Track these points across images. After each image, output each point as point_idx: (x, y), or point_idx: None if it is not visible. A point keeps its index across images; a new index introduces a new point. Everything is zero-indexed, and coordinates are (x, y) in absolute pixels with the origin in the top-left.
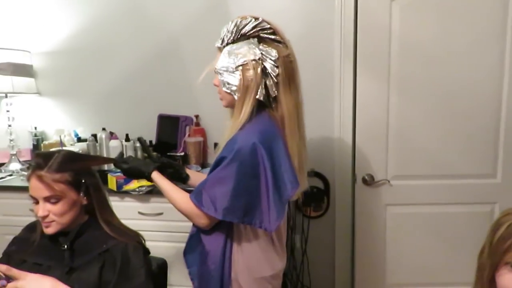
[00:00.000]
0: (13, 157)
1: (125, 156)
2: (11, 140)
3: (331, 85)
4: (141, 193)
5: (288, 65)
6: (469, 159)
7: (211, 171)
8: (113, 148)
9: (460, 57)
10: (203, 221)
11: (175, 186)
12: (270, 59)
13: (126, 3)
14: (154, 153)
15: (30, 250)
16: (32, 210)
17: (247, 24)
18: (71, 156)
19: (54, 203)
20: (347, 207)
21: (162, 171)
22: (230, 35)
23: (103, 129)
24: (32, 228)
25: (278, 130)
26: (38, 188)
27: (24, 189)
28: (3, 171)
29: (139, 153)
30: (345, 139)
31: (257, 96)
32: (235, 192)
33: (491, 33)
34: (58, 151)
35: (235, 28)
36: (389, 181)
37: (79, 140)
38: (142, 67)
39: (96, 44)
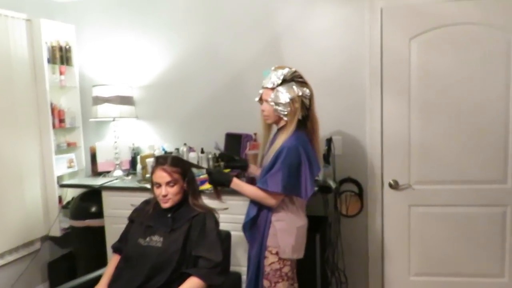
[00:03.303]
0: (117, 166)
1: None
2: (116, 153)
3: (363, 106)
4: (211, 192)
5: (312, 98)
6: (482, 167)
7: (269, 167)
8: (191, 159)
9: (471, 83)
10: (271, 201)
11: (249, 185)
12: (305, 95)
13: (202, 44)
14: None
15: (146, 216)
16: (153, 194)
17: (287, 73)
18: (179, 158)
19: (171, 186)
20: (377, 208)
21: (233, 161)
22: (278, 80)
23: (185, 144)
24: (148, 202)
25: (307, 138)
26: (162, 176)
27: (125, 189)
28: (109, 176)
29: (211, 163)
30: (375, 152)
31: (299, 117)
32: (289, 176)
33: (497, 62)
34: (170, 154)
35: (282, 76)
36: (411, 186)
37: (165, 153)
38: (213, 95)
39: (179, 78)
